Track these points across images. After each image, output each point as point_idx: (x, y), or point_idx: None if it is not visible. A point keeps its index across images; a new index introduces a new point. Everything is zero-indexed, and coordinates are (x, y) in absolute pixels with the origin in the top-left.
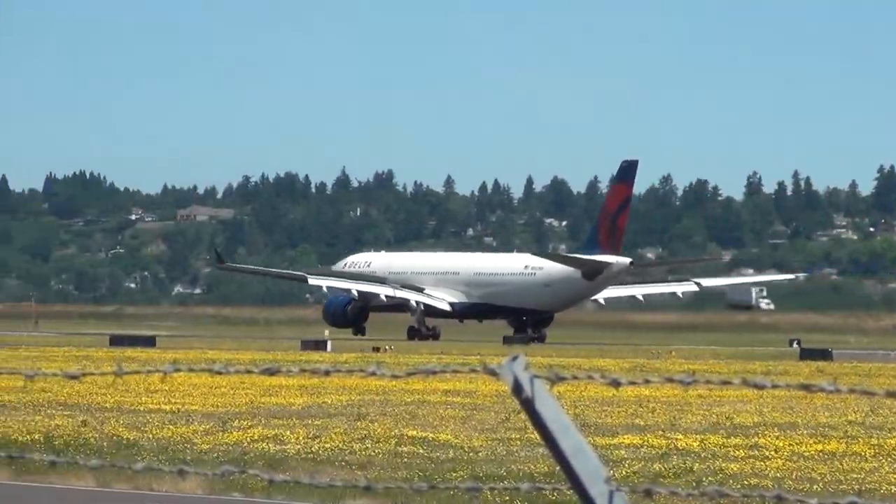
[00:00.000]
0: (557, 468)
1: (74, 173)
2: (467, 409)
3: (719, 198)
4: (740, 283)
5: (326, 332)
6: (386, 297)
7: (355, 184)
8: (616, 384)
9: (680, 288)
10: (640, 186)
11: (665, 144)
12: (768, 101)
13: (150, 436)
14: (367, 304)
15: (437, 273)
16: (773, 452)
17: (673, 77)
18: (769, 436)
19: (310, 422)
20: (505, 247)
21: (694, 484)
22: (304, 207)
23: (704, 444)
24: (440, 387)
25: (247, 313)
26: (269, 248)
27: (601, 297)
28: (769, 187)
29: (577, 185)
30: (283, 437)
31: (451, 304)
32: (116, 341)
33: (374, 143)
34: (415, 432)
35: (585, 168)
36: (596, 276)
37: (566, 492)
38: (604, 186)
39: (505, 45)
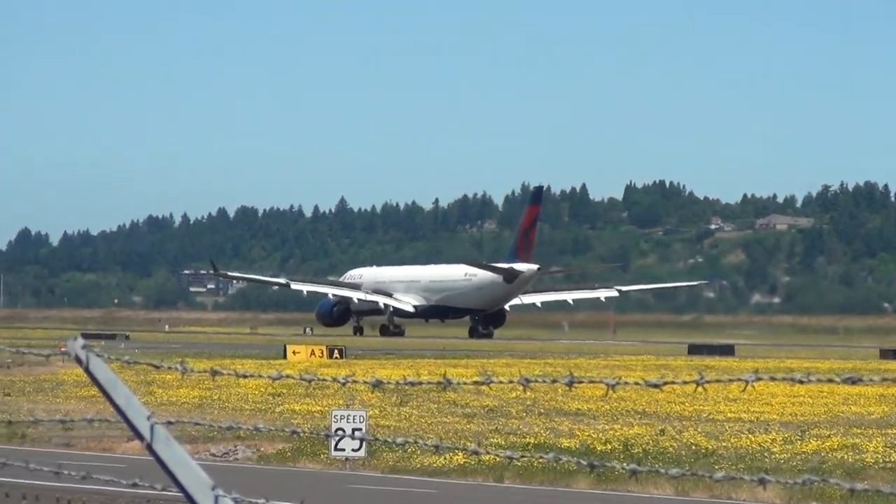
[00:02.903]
0: None
1: (654, 182)
2: None
3: None
4: (657, 289)
5: None
6: (358, 300)
7: None
8: None
9: (603, 293)
10: None
11: None
12: None
13: (728, 444)
14: (347, 306)
15: (406, 281)
16: None
17: None
18: None
19: (889, 431)
20: None
21: None
22: (883, 216)
23: None
24: None
25: (825, 322)
26: (847, 257)
27: (538, 300)
28: None
29: None
30: (861, 446)
31: (415, 307)
32: (694, 350)
33: None
34: None
35: None
36: (513, 280)
37: None
38: None
39: None
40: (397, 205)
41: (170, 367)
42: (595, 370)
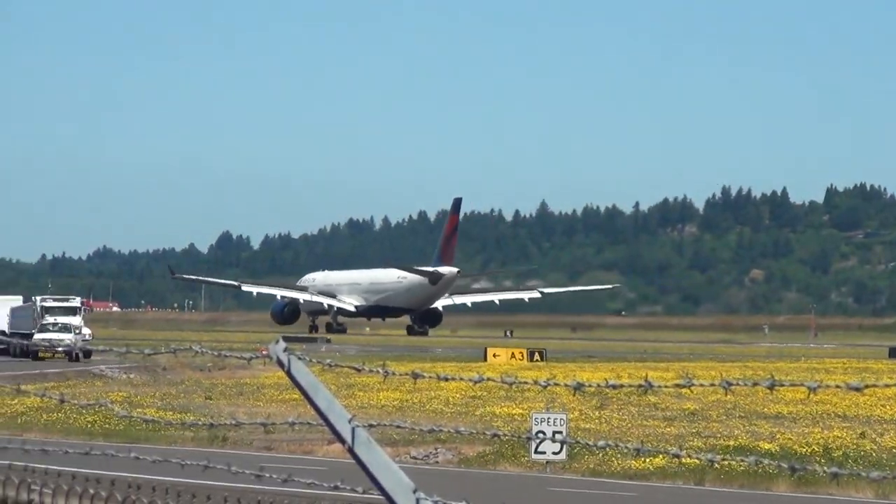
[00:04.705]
0: None
1: (855, 185)
2: None
3: None
4: (581, 290)
5: None
6: (304, 300)
7: None
8: None
9: (526, 294)
10: None
11: None
12: None
13: None
14: (296, 306)
15: (350, 284)
16: None
17: None
18: None
19: None
20: None
21: None
22: None
23: None
24: None
25: None
26: None
27: (468, 301)
28: None
29: None
30: None
31: (356, 307)
32: None
33: None
34: None
35: None
36: (437, 281)
37: None
38: None
39: None
40: (598, 208)
41: (371, 370)
42: (796, 373)
